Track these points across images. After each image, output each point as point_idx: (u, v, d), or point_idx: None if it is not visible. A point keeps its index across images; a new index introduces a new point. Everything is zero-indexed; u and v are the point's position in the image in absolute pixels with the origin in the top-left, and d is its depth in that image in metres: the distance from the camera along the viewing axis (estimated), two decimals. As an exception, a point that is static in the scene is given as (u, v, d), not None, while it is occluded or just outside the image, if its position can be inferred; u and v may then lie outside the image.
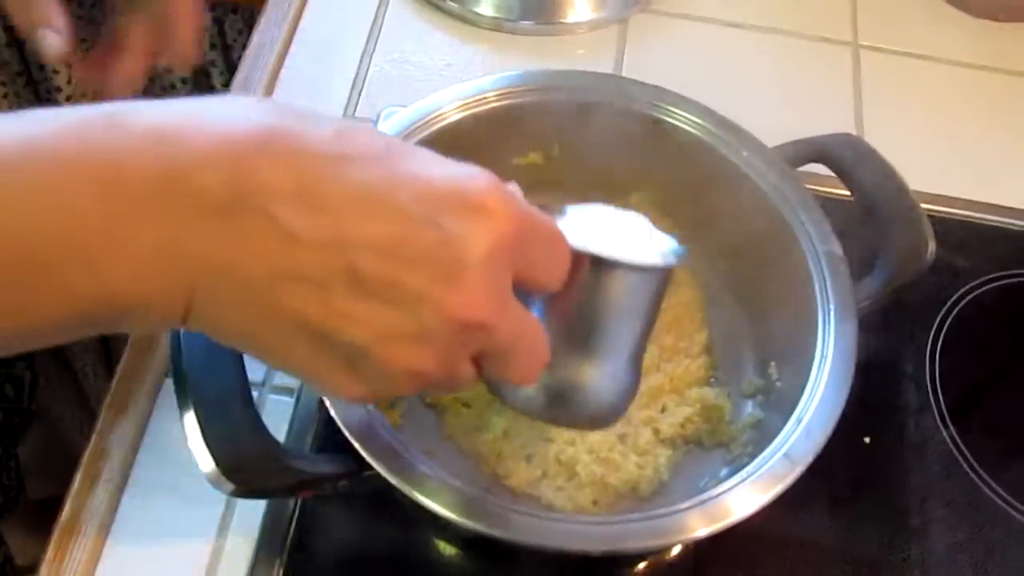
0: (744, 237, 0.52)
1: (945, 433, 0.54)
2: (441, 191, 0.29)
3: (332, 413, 0.42)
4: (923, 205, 0.60)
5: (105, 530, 0.48)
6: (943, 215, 0.61)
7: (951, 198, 0.63)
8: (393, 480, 0.41)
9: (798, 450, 0.42)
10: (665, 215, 0.54)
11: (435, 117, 0.52)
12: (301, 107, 0.30)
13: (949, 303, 0.58)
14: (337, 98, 0.65)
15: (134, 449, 0.50)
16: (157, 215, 0.27)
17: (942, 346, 0.56)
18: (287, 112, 0.29)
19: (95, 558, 0.48)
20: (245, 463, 0.41)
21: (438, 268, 0.29)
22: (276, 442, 0.42)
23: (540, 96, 0.54)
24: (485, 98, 0.53)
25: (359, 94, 0.65)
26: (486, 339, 0.31)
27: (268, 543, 0.48)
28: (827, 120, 0.65)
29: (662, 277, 0.38)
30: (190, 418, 0.41)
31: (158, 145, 0.27)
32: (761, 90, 0.67)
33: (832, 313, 0.47)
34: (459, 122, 0.52)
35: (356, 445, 0.41)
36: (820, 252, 0.48)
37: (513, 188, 0.33)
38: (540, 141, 0.55)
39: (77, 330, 0.30)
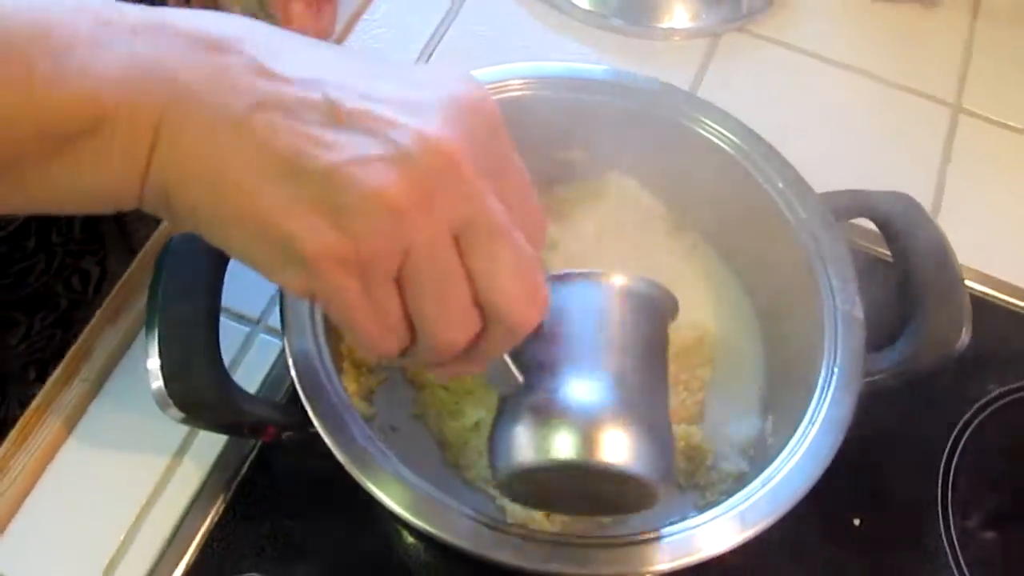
0: (767, 276, 0.50)
1: (944, 537, 0.50)
2: (422, 78, 0.31)
3: (290, 363, 0.42)
4: (981, 288, 0.57)
5: (70, 425, 0.49)
6: (1000, 302, 0.57)
7: (1016, 288, 0.58)
8: (328, 440, 0.40)
9: (754, 515, 0.39)
10: (692, 231, 0.52)
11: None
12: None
13: (984, 400, 0.53)
14: (404, 53, 0.64)
15: (116, 357, 0.51)
16: (145, 33, 0.29)
17: (964, 445, 0.52)
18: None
19: (53, 449, 0.49)
20: (192, 391, 0.40)
21: (414, 109, 0.29)
22: (228, 378, 0.42)
23: (595, 96, 0.52)
24: (540, 83, 0.52)
25: (428, 56, 0.64)
26: (465, 193, 0.29)
27: (218, 476, 0.48)
28: (902, 178, 0.59)
29: (623, 294, 0.37)
30: (152, 337, 0.41)
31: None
32: (839, 132, 0.63)
33: (835, 378, 0.43)
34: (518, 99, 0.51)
35: (303, 397, 0.41)
36: (840, 311, 0.45)
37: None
38: (583, 140, 0.53)
39: (36, 152, 0.29)
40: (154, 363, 0.40)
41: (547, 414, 0.35)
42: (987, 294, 0.57)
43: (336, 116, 0.29)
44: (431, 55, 0.64)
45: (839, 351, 0.44)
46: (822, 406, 0.43)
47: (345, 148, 0.28)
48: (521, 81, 0.51)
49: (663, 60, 0.66)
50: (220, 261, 0.44)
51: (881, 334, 0.47)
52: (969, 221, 0.60)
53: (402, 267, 0.30)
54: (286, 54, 0.29)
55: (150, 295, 0.42)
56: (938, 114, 0.65)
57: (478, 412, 0.48)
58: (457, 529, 0.38)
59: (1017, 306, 0.57)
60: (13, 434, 0.48)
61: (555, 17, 0.67)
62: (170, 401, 0.40)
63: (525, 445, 0.36)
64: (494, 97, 0.47)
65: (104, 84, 0.28)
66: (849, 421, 0.42)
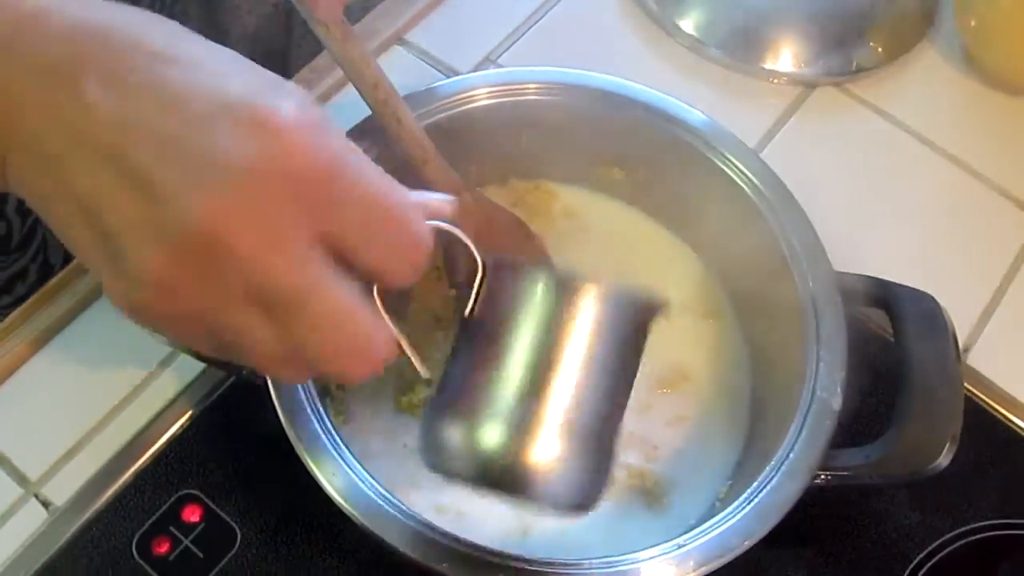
0: (762, 327, 0.49)
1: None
2: (236, 99, 0.28)
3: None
4: (1006, 413, 0.53)
5: (64, 322, 0.52)
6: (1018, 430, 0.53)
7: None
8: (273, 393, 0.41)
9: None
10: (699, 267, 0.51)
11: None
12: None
13: (952, 535, 0.50)
14: (488, 37, 0.64)
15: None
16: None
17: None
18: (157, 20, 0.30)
19: (45, 339, 0.52)
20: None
21: (197, 171, 0.27)
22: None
23: (638, 118, 0.51)
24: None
25: (512, 42, 0.64)
26: (239, 268, 0.28)
27: (189, 396, 0.50)
28: (954, 278, 0.57)
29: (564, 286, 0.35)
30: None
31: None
32: (904, 214, 0.60)
33: (786, 464, 0.42)
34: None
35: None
36: (817, 397, 0.43)
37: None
38: (623, 158, 0.53)
39: None
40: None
41: (465, 423, 0.35)
42: (1011, 421, 0.54)
43: (125, 172, 0.28)
44: (517, 40, 0.64)
45: (801, 437, 0.43)
46: (762, 490, 0.41)
47: (125, 210, 0.28)
48: (563, 87, 0.51)
49: (751, 99, 0.64)
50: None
51: (860, 430, 0.45)
52: (1019, 341, 0.56)
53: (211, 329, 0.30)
54: (115, 78, 0.28)
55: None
56: (1018, 222, 0.61)
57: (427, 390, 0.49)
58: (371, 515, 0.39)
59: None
60: (17, 313, 0.52)
61: (655, 34, 0.66)
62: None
63: (435, 448, 0.36)
64: (532, 99, 0.48)
65: None
66: (784, 511, 0.41)
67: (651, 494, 0.48)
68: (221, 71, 0.29)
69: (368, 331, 0.31)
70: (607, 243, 0.54)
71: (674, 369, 0.51)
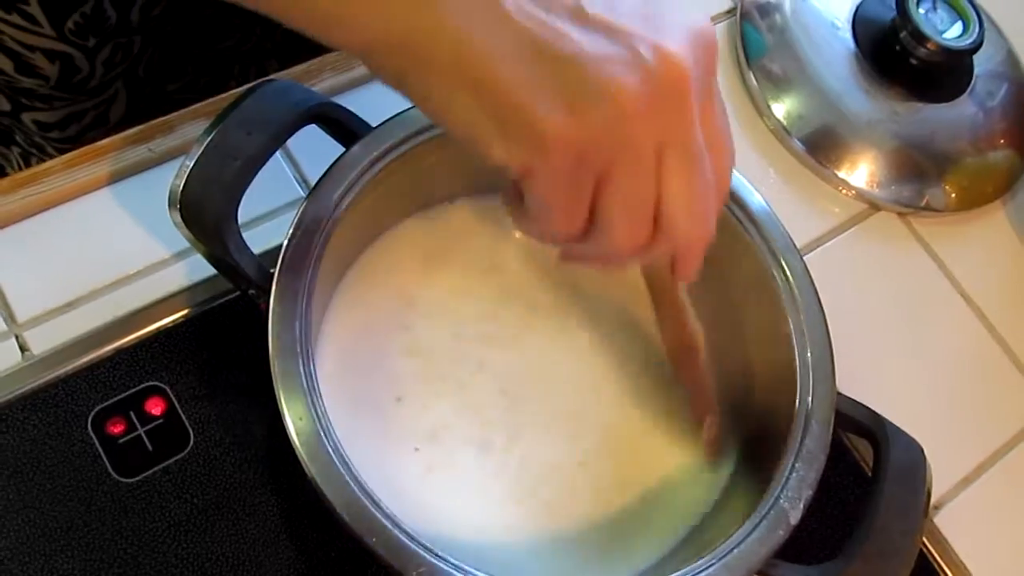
0: (750, 419, 0.49)
1: None
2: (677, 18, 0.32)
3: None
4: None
5: (114, 177, 0.53)
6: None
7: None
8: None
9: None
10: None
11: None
12: None
13: None
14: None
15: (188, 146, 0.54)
16: None
17: None
18: None
19: (84, 188, 0.52)
20: (195, 206, 0.43)
21: (654, 27, 0.31)
22: (230, 219, 0.43)
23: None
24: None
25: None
26: (683, 114, 0.32)
27: (192, 293, 0.51)
28: (948, 435, 0.57)
29: None
30: (200, 144, 0.43)
31: None
32: (919, 353, 0.60)
33: (729, 556, 0.42)
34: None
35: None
36: (779, 506, 0.44)
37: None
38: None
39: None
40: (186, 165, 0.43)
41: None
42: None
43: (581, 16, 0.31)
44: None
45: (752, 536, 0.43)
46: (700, 572, 0.41)
47: (589, 44, 0.31)
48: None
49: (815, 202, 0.64)
50: (297, 121, 0.46)
51: (819, 546, 0.45)
52: (989, 516, 0.56)
53: (609, 164, 0.33)
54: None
55: (220, 113, 0.44)
56: (1031, 405, 0.61)
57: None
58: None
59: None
60: (63, 158, 0.52)
61: (747, 108, 0.66)
62: (176, 204, 0.43)
63: None
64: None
65: None
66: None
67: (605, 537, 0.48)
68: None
69: (714, 211, 0.37)
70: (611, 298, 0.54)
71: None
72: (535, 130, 0.31)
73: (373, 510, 0.39)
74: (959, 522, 0.56)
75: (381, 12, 0.31)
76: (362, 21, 0.32)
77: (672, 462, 0.50)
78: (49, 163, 0.52)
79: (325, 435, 0.40)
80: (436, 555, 0.39)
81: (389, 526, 0.39)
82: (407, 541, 0.39)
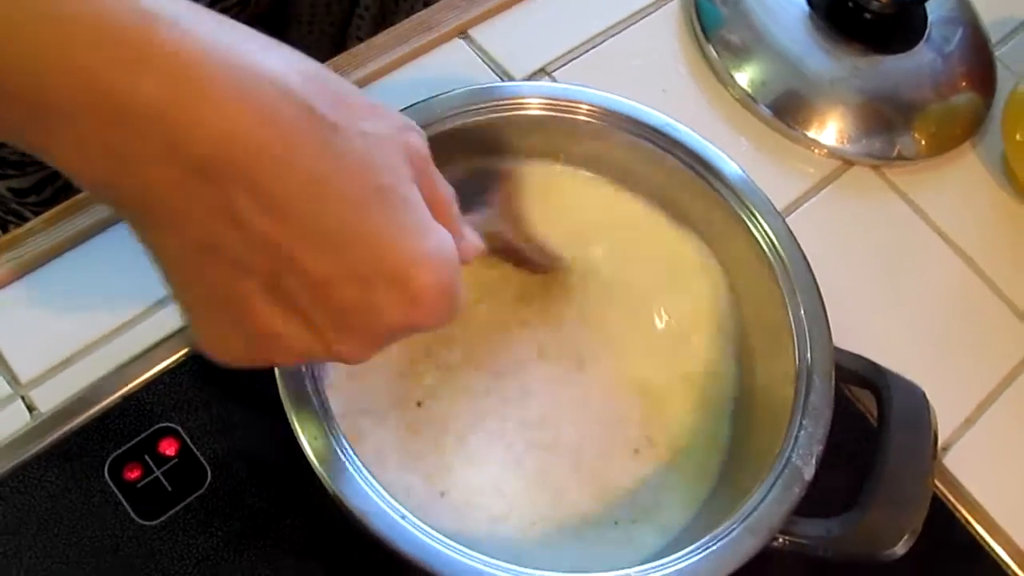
0: (747, 393, 0.49)
1: None
2: (389, 265, 0.31)
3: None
4: (970, 519, 0.54)
5: (94, 231, 0.53)
6: (980, 542, 0.54)
7: (1007, 537, 0.55)
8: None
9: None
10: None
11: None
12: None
13: None
14: (548, 49, 0.65)
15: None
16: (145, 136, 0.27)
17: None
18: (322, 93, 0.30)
19: (72, 242, 0.53)
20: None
21: (344, 320, 0.32)
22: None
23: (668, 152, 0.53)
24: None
25: (571, 59, 0.65)
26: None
27: (189, 333, 0.51)
28: (947, 377, 0.58)
29: None
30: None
31: (170, 79, 0.27)
32: (913, 305, 0.61)
33: (749, 519, 0.43)
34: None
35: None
36: (791, 464, 0.44)
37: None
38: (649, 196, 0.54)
39: None
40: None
41: None
42: (971, 524, 0.55)
43: (294, 310, 0.32)
44: (576, 59, 0.65)
45: (769, 497, 0.43)
46: (723, 537, 0.42)
47: (283, 329, 0.32)
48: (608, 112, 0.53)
49: (789, 164, 0.65)
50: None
51: (833, 499, 0.46)
52: (996, 451, 0.57)
53: None
54: (272, 198, 0.29)
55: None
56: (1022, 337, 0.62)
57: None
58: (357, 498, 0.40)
59: (996, 555, 0.55)
60: (41, 217, 0.53)
61: (710, 80, 0.67)
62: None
63: None
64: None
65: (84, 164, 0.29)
66: (740, 563, 0.42)
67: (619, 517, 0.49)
68: (376, 227, 0.31)
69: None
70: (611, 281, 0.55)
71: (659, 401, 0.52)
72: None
73: (404, 523, 0.40)
74: (968, 461, 0.56)
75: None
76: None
77: (687, 424, 0.51)
78: (30, 223, 0.52)
79: (341, 451, 0.41)
80: (472, 556, 0.39)
81: (424, 536, 0.39)
82: (442, 548, 0.39)
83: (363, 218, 0.30)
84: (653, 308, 0.53)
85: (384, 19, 0.83)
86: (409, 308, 0.32)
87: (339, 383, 0.47)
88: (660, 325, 0.53)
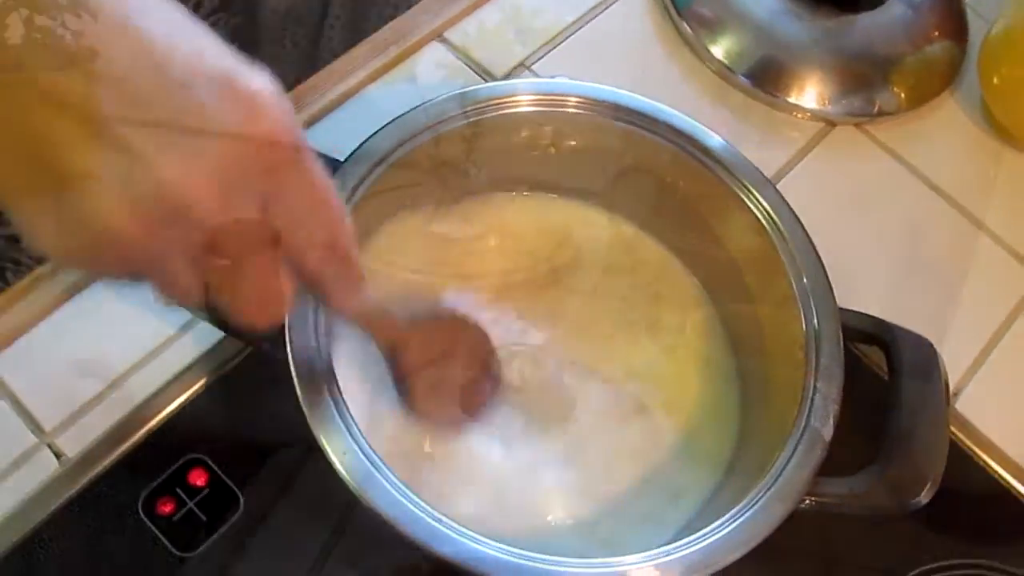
0: (757, 361, 0.50)
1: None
2: (213, 67, 0.29)
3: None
4: (988, 460, 0.55)
5: (88, 280, 0.53)
6: (999, 480, 0.55)
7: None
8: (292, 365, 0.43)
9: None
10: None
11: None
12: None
13: (924, 569, 0.52)
14: (525, 43, 0.66)
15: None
16: None
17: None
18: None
19: (77, 288, 0.53)
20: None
21: (174, 132, 0.28)
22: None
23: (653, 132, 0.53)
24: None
25: (548, 51, 0.66)
26: (199, 226, 0.30)
27: (206, 360, 0.52)
28: (950, 324, 0.59)
29: None
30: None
31: None
32: (911, 257, 0.62)
33: (775, 486, 0.44)
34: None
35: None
36: (810, 427, 0.45)
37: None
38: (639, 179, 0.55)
39: None
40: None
41: None
42: (990, 466, 0.56)
43: (95, 122, 0.28)
44: (553, 50, 0.66)
45: (792, 462, 0.44)
46: (751, 507, 0.43)
47: (89, 160, 0.28)
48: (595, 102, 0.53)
49: (772, 131, 0.66)
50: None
51: (854, 456, 0.47)
52: (1006, 391, 0.58)
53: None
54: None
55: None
56: (1019, 277, 0.63)
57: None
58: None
59: (1018, 492, 0.56)
60: (49, 264, 0.53)
61: (687, 56, 0.67)
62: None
63: None
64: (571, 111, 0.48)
65: None
66: (770, 530, 0.42)
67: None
68: (197, 39, 0.30)
69: (272, 297, 0.35)
70: (611, 264, 0.55)
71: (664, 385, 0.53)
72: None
73: (445, 529, 0.40)
74: (980, 404, 0.57)
75: None
76: None
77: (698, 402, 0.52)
78: (37, 271, 0.53)
79: (371, 464, 0.41)
80: (514, 553, 0.40)
81: (459, 537, 0.40)
82: (486, 550, 0.40)
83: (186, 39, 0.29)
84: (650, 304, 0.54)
85: (355, 27, 0.83)
86: (244, 110, 0.29)
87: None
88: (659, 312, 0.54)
